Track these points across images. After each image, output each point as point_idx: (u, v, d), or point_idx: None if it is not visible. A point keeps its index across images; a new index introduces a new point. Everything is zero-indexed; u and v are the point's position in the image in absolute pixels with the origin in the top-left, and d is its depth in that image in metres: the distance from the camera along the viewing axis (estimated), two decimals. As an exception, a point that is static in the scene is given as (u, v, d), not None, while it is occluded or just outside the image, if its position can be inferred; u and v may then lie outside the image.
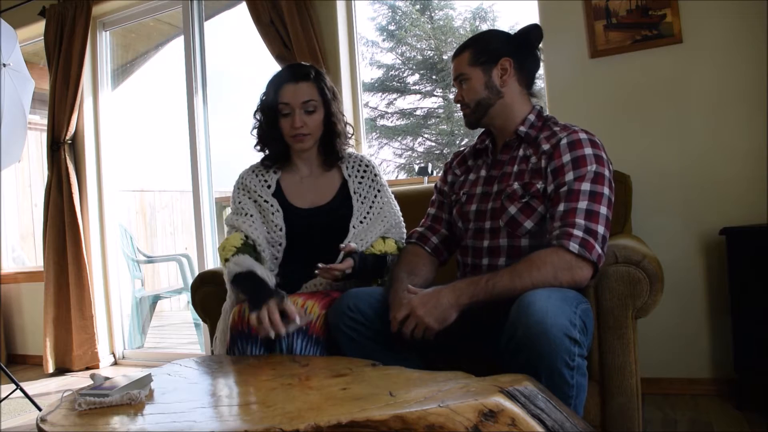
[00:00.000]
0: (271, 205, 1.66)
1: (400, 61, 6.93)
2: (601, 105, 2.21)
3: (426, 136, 7.00)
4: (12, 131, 2.48)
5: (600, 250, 1.24)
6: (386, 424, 0.82)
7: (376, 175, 1.72)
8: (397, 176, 6.93)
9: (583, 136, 1.35)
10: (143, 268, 4.18)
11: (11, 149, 2.52)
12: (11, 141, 2.49)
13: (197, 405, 1.04)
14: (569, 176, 1.31)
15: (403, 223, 1.73)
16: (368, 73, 6.70)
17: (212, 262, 3.21)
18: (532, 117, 1.46)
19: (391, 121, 6.98)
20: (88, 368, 3.36)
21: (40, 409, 2.29)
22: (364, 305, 1.36)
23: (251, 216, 1.65)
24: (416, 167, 5.71)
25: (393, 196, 1.75)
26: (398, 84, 6.96)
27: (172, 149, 4.92)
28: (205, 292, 1.90)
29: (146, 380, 1.11)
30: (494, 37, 1.49)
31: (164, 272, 5.22)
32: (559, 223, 1.27)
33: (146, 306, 3.93)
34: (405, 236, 1.69)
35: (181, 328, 4.74)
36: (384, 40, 6.88)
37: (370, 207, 1.67)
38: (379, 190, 1.70)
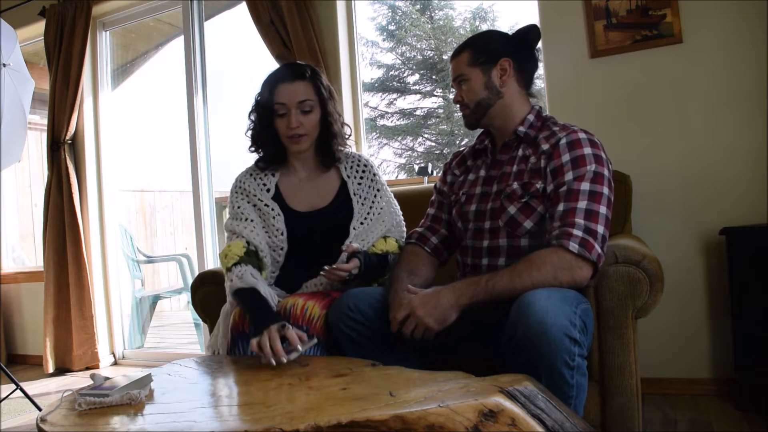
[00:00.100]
0: (272, 209, 1.62)
1: (400, 61, 6.93)
2: (601, 105, 2.21)
3: (426, 136, 7.00)
4: (12, 131, 2.48)
5: (600, 250, 1.24)
6: (386, 424, 0.82)
7: (375, 174, 1.69)
8: (397, 176, 6.93)
9: (582, 135, 1.35)
10: (143, 268, 4.18)
11: (11, 149, 2.52)
12: (11, 141, 2.49)
13: (197, 405, 1.04)
14: (569, 176, 1.31)
15: (403, 222, 1.72)
16: (368, 73, 6.70)
17: (212, 262, 3.21)
18: (531, 117, 1.46)
19: (391, 121, 6.98)
20: (88, 368, 3.36)
21: (40, 409, 2.29)
22: (364, 305, 1.36)
23: (251, 221, 1.61)
24: (416, 167, 5.70)
25: (392, 195, 1.74)
26: (398, 84, 6.96)
27: (172, 149, 4.92)
28: (205, 292, 1.90)
29: (146, 380, 1.10)
30: (493, 37, 1.49)
31: (164, 272, 5.22)
32: (559, 223, 1.27)
33: (146, 306, 3.93)
34: (405, 233, 1.69)
35: (181, 328, 4.74)
36: (384, 40, 6.88)
37: (371, 207, 1.65)
38: (378, 190, 1.68)
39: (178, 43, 3.37)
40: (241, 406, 1.02)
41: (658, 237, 1.98)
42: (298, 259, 1.62)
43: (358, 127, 2.84)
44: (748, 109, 2.02)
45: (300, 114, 1.57)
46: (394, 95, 6.93)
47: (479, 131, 1.58)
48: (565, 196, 1.29)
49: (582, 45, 2.23)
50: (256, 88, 1.66)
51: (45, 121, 3.45)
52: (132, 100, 4.25)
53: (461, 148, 1.66)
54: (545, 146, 1.38)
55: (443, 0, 6.66)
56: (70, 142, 3.39)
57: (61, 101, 3.32)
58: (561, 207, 1.29)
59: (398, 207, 1.73)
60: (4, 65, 2.43)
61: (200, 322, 2.95)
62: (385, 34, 6.85)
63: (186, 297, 4.81)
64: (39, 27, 3.45)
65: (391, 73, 6.94)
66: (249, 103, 1.68)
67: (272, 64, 2.72)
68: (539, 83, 2.57)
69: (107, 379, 1.11)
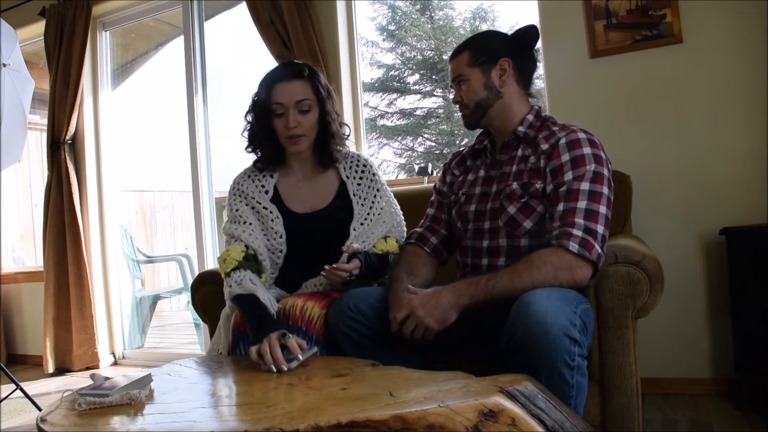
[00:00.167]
0: (270, 212, 1.60)
1: (400, 61, 6.93)
2: (601, 105, 2.21)
3: (426, 136, 7.00)
4: (12, 131, 2.48)
5: (600, 250, 1.24)
6: (386, 424, 0.82)
7: (374, 174, 1.67)
8: (397, 176, 6.93)
9: (581, 135, 1.35)
10: (143, 268, 4.18)
11: (11, 149, 2.52)
12: (11, 141, 2.49)
13: (197, 405, 1.04)
14: (568, 176, 1.31)
15: (403, 222, 1.71)
16: (368, 73, 6.70)
17: (212, 262, 3.21)
18: (530, 117, 1.46)
19: (391, 121, 6.98)
20: (88, 368, 3.36)
21: (40, 409, 2.29)
22: (364, 305, 1.36)
23: (250, 224, 1.59)
24: (416, 167, 5.70)
25: (392, 194, 1.72)
26: (398, 84, 6.96)
27: (172, 149, 4.92)
28: (205, 292, 1.90)
29: (146, 380, 1.10)
30: (492, 37, 1.49)
31: (164, 272, 5.22)
32: (559, 223, 1.27)
33: (146, 306, 3.93)
34: (405, 232, 1.68)
35: (181, 328, 4.74)
36: (384, 40, 6.88)
37: (371, 208, 1.63)
38: (378, 190, 1.66)
39: (178, 43, 3.37)
40: (241, 406, 1.02)
41: (658, 237, 1.99)
42: (297, 261, 1.60)
43: (358, 127, 2.84)
44: (748, 109, 2.02)
45: (298, 114, 1.54)
46: (394, 95, 6.93)
47: (479, 131, 1.58)
48: (565, 196, 1.29)
49: (582, 45, 2.23)
50: (256, 88, 1.64)
51: (45, 121, 3.45)
52: (132, 100, 4.25)
53: (461, 149, 1.66)
54: (545, 146, 1.38)
55: (443, 0, 6.66)
56: (70, 142, 3.39)
57: (61, 101, 3.32)
58: (561, 207, 1.29)
59: (398, 207, 1.72)
60: (4, 65, 2.43)
61: (200, 322, 2.95)
62: (385, 34, 6.85)
63: (186, 297, 4.81)
64: (39, 27, 3.45)
65: (391, 73, 6.94)
66: (249, 103, 1.67)
67: (272, 64, 2.71)
68: (539, 83, 2.57)
69: (107, 379, 1.11)
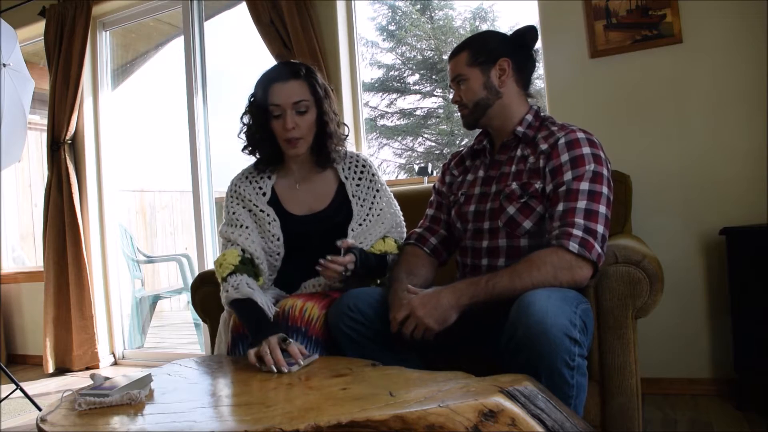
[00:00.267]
0: (267, 215, 1.59)
1: (400, 61, 6.93)
2: (601, 105, 2.21)
3: (426, 136, 7.00)
4: (12, 131, 2.48)
5: (600, 250, 1.24)
6: (386, 424, 0.82)
7: (374, 174, 1.65)
8: (397, 176, 6.93)
9: (581, 135, 1.35)
10: (143, 268, 4.18)
11: (11, 149, 2.52)
12: (11, 141, 2.49)
13: (197, 405, 1.04)
14: (568, 176, 1.31)
15: (403, 222, 1.69)
16: (368, 73, 6.70)
17: (212, 263, 3.20)
18: (529, 117, 1.46)
19: (391, 121, 6.98)
20: (88, 368, 3.36)
21: (40, 409, 2.29)
22: (364, 305, 1.36)
23: (246, 227, 1.58)
24: (416, 167, 5.70)
25: (392, 195, 1.70)
26: (398, 84, 6.96)
27: (172, 149, 4.92)
28: (205, 292, 1.90)
29: (146, 380, 1.11)
30: (492, 37, 1.49)
31: (164, 272, 5.22)
32: (559, 223, 1.27)
33: (146, 306, 3.94)
34: (405, 233, 1.67)
35: (181, 328, 4.74)
36: (384, 40, 6.88)
37: (370, 209, 1.62)
38: (377, 190, 1.64)
39: (178, 43, 3.37)
40: (241, 406, 1.02)
41: (658, 237, 1.98)
42: (296, 263, 1.59)
43: (358, 127, 2.84)
44: (748, 109, 2.02)
45: (295, 115, 1.52)
46: (394, 95, 6.93)
47: (478, 131, 1.58)
48: (565, 195, 1.29)
49: (582, 45, 2.23)
50: (252, 88, 1.62)
51: (45, 121, 3.45)
52: (132, 100, 4.25)
53: (460, 149, 1.66)
54: (544, 146, 1.38)
55: (443, 0, 6.66)
56: (70, 142, 3.39)
57: (61, 101, 3.32)
58: (560, 207, 1.29)
59: (398, 207, 1.70)
60: (4, 65, 2.42)
61: (200, 322, 2.95)
62: (385, 34, 6.85)
63: (186, 297, 4.81)
64: (39, 27, 3.45)
65: (391, 73, 6.94)
66: (245, 104, 1.64)
67: (272, 64, 2.72)
68: (539, 83, 2.57)
69: (107, 379, 1.11)
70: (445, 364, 1.14)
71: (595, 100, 2.22)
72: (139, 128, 4.76)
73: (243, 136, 1.65)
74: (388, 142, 6.97)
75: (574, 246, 1.22)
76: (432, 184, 1.71)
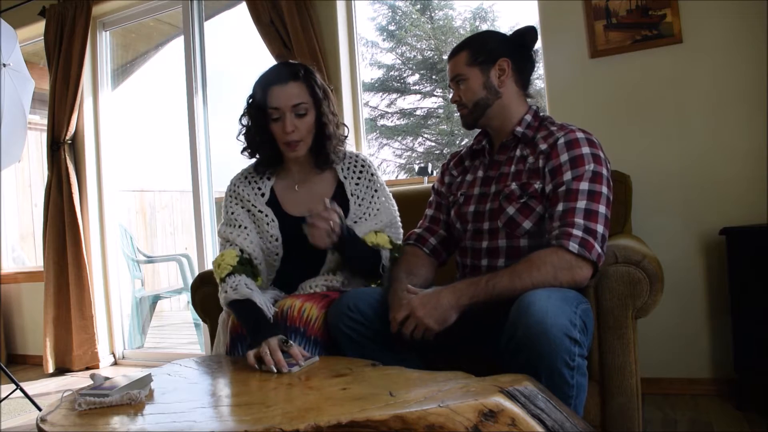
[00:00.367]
0: (266, 215, 1.59)
1: (400, 61, 6.93)
2: (601, 105, 2.21)
3: (426, 136, 7.00)
4: (12, 131, 2.48)
5: (600, 250, 1.24)
6: (386, 424, 0.82)
7: (373, 174, 1.64)
8: (397, 176, 6.93)
9: (580, 135, 1.35)
10: (143, 268, 4.18)
11: (11, 149, 2.52)
12: (11, 141, 2.49)
13: (197, 405, 1.04)
14: (567, 176, 1.30)
15: (399, 224, 1.67)
16: (368, 73, 6.70)
17: (212, 263, 3.21)
18: (528, 117, 1.46)
19: (391, 121, 6.98)
20: (88, 368, 3.36)
21: (40, 409, 2.29)
22: (364, 305, 1.36)
23: (245, 228, 1.58)
24: (416, 167, 5.70)
25: (391, 195, 1.69)
26: (398, 84, 6.96)
27: (172, 149, 4.92)
28: (205, 292, 1.90)
29: (146, 380, 1.10)
30: (491, 37, 1.49)
31: (164, 272, 5.22)
32: (558, 223, 1.27)
33: (146, 306, 3.94)
34: (401, 236, 1.65)
35: (181, 328, 4.75)
36: (384, 40, 6.88)
37: (368, 208, 1.61)
38: (376, 190, 1.63)
39: (178, 43, 3.37)
40: (241, 406, 1.02)
41: (658, 237, 1.98)
42: (295, 264, 1.59)
43: (358, 127, 2.84)
44: (748, 109, 2.02)
45: (295, 117, 1.51)
46: (394, 95, 6.93)
47: (478, 131, 1.58)
48: (564, 196, 1.29)
49: (582, 45, 2.23)
50: (250, 89, 1.61)
51: (45, 121, 3.45)
52: (132, 100, 4.25)
53: (459, 149, 1.66)
54: (543, 146, 1.38)
55: (443, 0, 6.66)
56: (70, 142, 3.39)
57: (61, 101, 3.32)
58: (560, 207, 1.29)
59: (396, 209, 1.68)
60: (4, 65, 2.43)
61: (200, 322, 2.95)
62: (385, 34, 6.85)
63: (186, 297, 4.81)
64: (39, 27, 3.45)
65: (391, 73, 6.94)
66: (244, 105, 1.64)
67: (272, 64, 2.72)
68: (539, 83, 2.57)
69: (107, 379, 1.11)
70: (445, 364, 1.14)
71: (595, 100, 2.22)
72: (139, 128, 4.76)
73: (242, 137, 1.65)
74: (388, 142, 6.97)
75: (574, 246, 1.22)
76: (431, 184, 1.71)
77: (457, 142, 6.46)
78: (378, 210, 1.62)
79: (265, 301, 1.44)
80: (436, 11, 6.85)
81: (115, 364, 3.50)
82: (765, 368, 1.80)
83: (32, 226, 4.63)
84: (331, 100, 1.61)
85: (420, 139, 6.97)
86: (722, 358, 2.04)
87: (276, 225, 1.59)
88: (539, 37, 1.62)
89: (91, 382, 1.12)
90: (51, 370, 3.32)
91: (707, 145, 2.07)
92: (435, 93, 6.94)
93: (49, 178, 3.41)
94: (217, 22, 3.55)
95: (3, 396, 2.52)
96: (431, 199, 1.65)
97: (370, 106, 6.81)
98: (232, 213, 1.62)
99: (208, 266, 3.16)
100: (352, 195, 1.62)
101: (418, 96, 6.97)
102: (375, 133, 6.88)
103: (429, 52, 6.89)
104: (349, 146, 1.73)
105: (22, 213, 4.64)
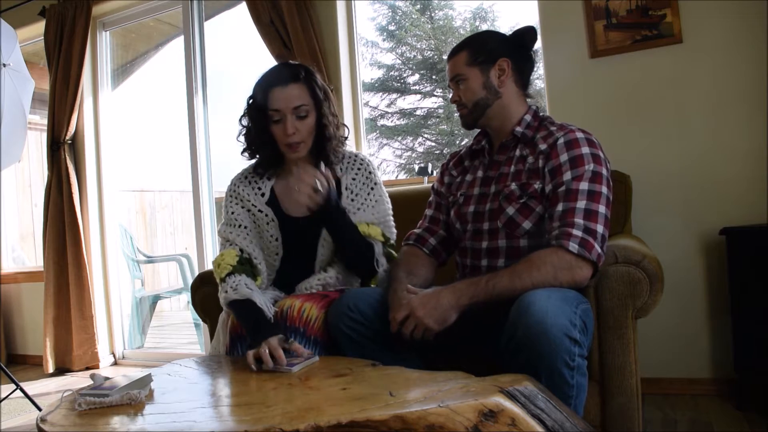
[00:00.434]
0: (266, 215, 1.60)
1: (400, 61, 6.93)
2: (601, 105, 2.21)
3: (426, 136, 7.00)
4: (12, 131, 2.48)
5: (599, 250, 1.24)
6: (386, 424, 0.82)
7: (370, 172, 1.64)
8: (397, 176, 6.93)
9: (580, 135, 1.35)
10: (143, 268, 4.18)
11: (11, 149, 2.52)
12: (11, 141, 2.49)
13: (197, 405, 1.04)
14: (567, 176, 1.30)
15: (392, 224, 1.65)
16: (368, 73, 6.70)
17: (212, 262, 3.21)
18: (528, 117, 1.45)
19: (391, 121, 6.98)
20: (88, 368, 3.36)
21: (40, 409, 2.29)
22: (364, 305, 1.36)
23: (245, 227, 1.59)
24: (416, 167, 5.70)
25: (387, 196, 1.68)
26: (398, 84, 6.96)
27: (172, 149, 4.92)
28: (205, 292, 1.90)
29: (146, 380, 1.10)
30: (491, 37, 1.49)
31: (164, 272, 5.22)
32: (558, 223, 1.27)
33: (146, 306, 3.94)
34: (394, 237, 1.64)
35: (181, 328, 4.75)
36: (384, 40, 6.88)
37: (362, 204, 1.59)
38: (372, 188, 1.62)
39: (178, 43, 3.37)
40: (241, 406, 1.02)
41: (658, 237, 1.98)
42: (295, 263, 1.59)
43: (358, 127, 2.84)
44: (748, 109, 2.02)
45: (296, 119, 1.51)
46: (394, 95, 6.93)
47: (478, 131, 1.58)
48: (564, 196, 1.29)
49: (582, 45, 2.23)
50: (250, 90, 1.61)
51: (45, 121, 3.45)
52: (132, 100, 4.25)
53: (458, 149, 1.66)
54: (543, 146, 1.38)
55: (443, 0, 6.66)
56: (70, 142, 3.39)
57: (61, 101, 3.32)
58: (560, 207, 1.29)
59: (390, 210, 1.66)
60: (4, 65, 2.43)
61: (200, 322, 2.95)
62: (385, 34, 6.85)
63: (186, 297, 4.81)
64: (39, 27, 3.45)
65: (391, 73, 6.94)
66: (244, 106, 1.64)
67: (272, 65, 2.71)
68: (539, 83, 2.57)
69: (107, 379, 1.11)
70: (445, 364, 1.14)
71: (595, 100, 2.22)
72: (139, 128, 4.76)
73: (242, 138, 1.65)
74: (388, 142, 6.97)
75: (573, 246, 1.22)
76: (431, 184, 1.71)
77: (457, 142, 6.46)
78: (372, 206, 1.61)
79: (265, 301, 1.44)
80: (436, 11, 6.86)
81: (115, 364, 3.50)
82: (765, 368, 1.80)
83: (32, 226, 4.63)
84: (332, 100, 1.61)
85: (420, 139, 6.97)
86: (722, 358, 2.04)
87: (276, 225, 1.59)
88: (539, 37, 1.62)
89: (91, 382, 1.12)
90: (51, 370, 3.32)
91: (707, 145, 2.07)
92: (435, 93, 6.94)
93: (49, 178, 3.41)
94: (217, 22, 3.56)
95: (3, 396, 2.52)
96: (431, 199, 1.65)
97: (370, 106, 6.82)
98: (232, 213, 1.62)
99: (208, 266, 3.16)
100: (346, 189, 1.61)
101: (418, 96, 6.97)
102: (375, 133, 6.88)
103: (429, 52, 6.89)
104: (349, 146, 1.73)
105: (22, 213, 4.64)
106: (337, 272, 1.56)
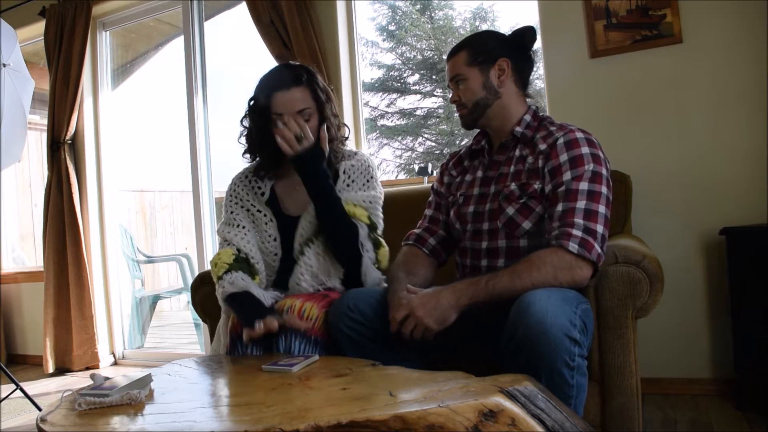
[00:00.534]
0: (264, 215, 1.60)
1: (400, 61, 6.93)
2: (601, 105, 2.21)
3: (426, 136, 7.00)
4: (12, 131, 2.48)
5: (599, 250, 1.24)
6: (386, 424, 0.82)
7: (369, 165, 1.65)
8: (397, 176, 6.93)
9: (579, 135, 1.35)
10: (143, 268, 4.18)
11: (11, 149, 2.52)
12: (11, 141, 2.49)
13: (197, 405, 1.04)
14: (567, 176, 1.30)
15: (380, 214, 1.62)
16: (368, 73, 6.70)
17: (209, 262, 3.21)
18: (528, 117, 1.45)
19: (391, 121, 6.98)
20: (88, 368, 3.36)
21: (40, 409, 2.29)
22: (364, 305, 1.36)
23: (243, 227, 1.60)
24: (416, 167, 5.70)
25: (382, 192, 1.67)
26: (398, 84, 6.96)
27: (172, 149, 4.92)
28: (205, 292, 1.90)
29: (146, 380, 1.10)
30: (491, 37, 1.49)
31: (164, 272, 5.22)
32: (558, 223, 1.27)
33: (146, 306, 3.94)
34: (380, 226, 1.62)
35: (181, 328, 4.75)
36: (384, 40, 6.88)
37: (357, 190, 1.59)
38: (368, 180, 1.62)
39: (178, 43, 3.37)
40: (241, 406, 1.02)
41: (658, 237, 1.98)
42: (294, 263, 1.59)
43: (358, 127, 2.84)
44: (748, 109, 2.02)
45: None
46: (394, 95, 6.93)
47: (477, 131, 1.58)
48: (564, 196, 1.29)
49: (582, 45, 2.23)
50: (252, 92, 1.61)
51: (45, 121, 3.45)
52: (132, 100, 4.25)
53: (458, 149, 1.66)
54: (543, 146, 1.38)
55: (443, 0, 6.66)
56: (70, 142, 3.39)
57: (61, 101, 3.32)
58: (560, 207, 1.29)
59: (381, 202, 1.64)
60: (4, 65, 2.43)
61: (200, 322, 2.95)
62: (385, 34, 6.85)
63: (186, 297, 4.81)
64: (39, 27, 3.45)
65: (391, 73, 6.94)
66: (245, 107, 1.64)
67: (272, 65, 2.71)
68: (539, 83, 2.57)
69: (107, 379, 1.11)
70: (445, 364, 1.14)
71: (595, 100, 2.22)
72: (139, 128, 4.76)
73: (243, 140, 1.65)
74: (388, 142, 6.97)
75: (573, 246, 1.22)
76: (431, 184, 1.71)
77: (457, 142, 6.46)
78: (365, 193, 1.60)
79: (262, 293, 1.45)
80: (436, 11, 6.86)
81: (115, 364, 3.50)
82: (765, 368, 1.80)
83: (32, 226, 4.63)
84: (333, 101, 1.62)
85: (420, 139, 6.98)
86: (722, 358, 2.04)
87: (274, 225, 1.60)
88: (539, 37, 1.62)
89: (91, 382, 1.12)
90: (51, 370, 3.32)
91: (707, 145, 2.07)
92: (435, 93, 6.94)
93: (49, 178, 3.41)
94: (217, 22, 3.56)
95: (3, 396, 2.52)
96: (430, 199, 1.65)
97: (370, 106, 6.82)
98: (232, 212, 1.63)
99: (208, 266, 3.15)
100: (344, 173, 1.61)
101: (418, 96, 6.97)
102: (375, 133, 6.88)
103: (429, 52, 6.89)
104: (350, 146, 1.73)
105: (22, 213, 4.64)
106: (316, 253, 1.54)
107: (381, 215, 1.64)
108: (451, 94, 1.50)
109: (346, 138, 1.69)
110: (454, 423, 0.82)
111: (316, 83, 1.57)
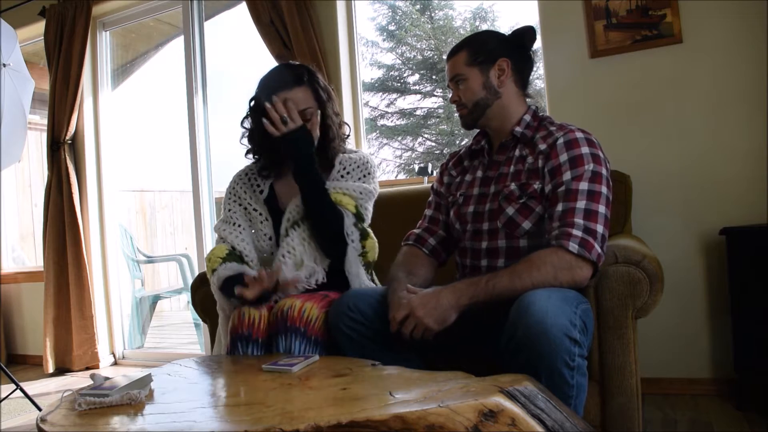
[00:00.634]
0: (260, 214, 1.62)
1: (400, 61, 6.93)
2: (601, 105, 2.21)
3: (426, 136, 7.00)
4: (12, 131, 2.48)
5: (599, 250, 1.24)
6: (386, 424, 0.82)
7: (367, 161, 1.66)
8: (397, 176, 6.93)
9: (579, 135, 1.35)
10: (143, 268, 4.18)
11: (11, 149, 2.52)
12: (11, 141, 2.49)
13: (197, 405, 1.04)
14: (567, 176, 1.30)
15: (369, 207, 1.63)
16: (368, 73, 6.70)
17: (205, 259, 3.21)
18: (527, 117, 1.45)
19: (391, 121, 6.98)
20: (88, 368, 3.36)
21: (40, 409, 2.29)
22: (364, 305, 1.36)
23: (239, 226, 1.62)
24: (416, 167, 5.70)
25: (377, 189, 1.67)
26: (398, 84, 6.96)
27: (172, 149, 4.92)
28: (205, 292, 1.90)
29: (146, 380, 1.10)
30: (490, 37, 1.49)
31: (164, 272, 5.22)
32: (558, 223, 1.27)
33: (146, 306, 3.94)
34: (368, 218, 1.63)
35: (181, 328, 4.75)
36: (384, 40, 6.88)
37: (352, 182, 1.60)
38: (364, 175, 1.63)
39: (178, 43, 3.37)
40: (240, 406, 1.02)
41: (658, 237, 1.98)
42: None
43: (358, 127, 2.84)
44: (748, 109, 2.02)
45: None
46: (394, 95, 6.93)
47: (477, 131, 1.58)
48: (564, 196, 1.29)
49: (582, 45, 2.23)
50: (253, 92, 1.61)
51: (45, 121, 3.45)
52: (132, 100, 4.25)
53: (458, 149, 1.66)
54: (542, 146, 1.38)
55: (443, 0, 6.66)
56: (70, 142, 3.39)
57: (61, 101, 3.32)
58: (560, 207, 1.29)
59: (372, 196, 1.65)
60: (4, 65, 2.43)
61: (200, 322, 2.95)
62: (385, 34, 6.85)
63: (186, 297, 4.81)
64: (39, 27, 3.45)
65: (391, 73, 6.94)
66: (246, 108, 1.65)
67: (272, 65, 2.71)
68: (539, 83, 2.56)
69: (107, 379, 1.11)
70: (445, 364, 1.14)
71: (595, 100, 2.22)
72: (139, 128, 4.76)
73: (245, 141, 1.66)
74: (388, 142, 6.97)
75: (573, 246, 1.22)
76: (431, 184, 1.71)
77: (457, 142, 6.46)
78: (356, 184, 1.61)
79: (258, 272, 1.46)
80: (436, 11, 6.86)
81: (115, 364, 3.50)
82: (765, 368, 1.80)
83: (32, 226, 4.63)
84: (334, 100, 1.63)
85: (420, 139, 6.97)
86: (722, 358, 2.04)
87: (269, 224, 1.61)
88: (539, 37, 1.62)
89: (91, 382, 1.12)
90: (51, 370, 3.32)
91: (707, 145, 2.07)
92: (435, 93, 6.94)
93: (49, 178, 3.41)
94: (217, 22, 3.56)
95: (3, 396, 2.52)
96: (430, 199, 1.65)
97: (370, 106, 6.82)
98: (230, 210, 1.65)
99: (208, 266, 3.16)
100: (340, 164, 1.62)
101: (418, 96, 6.97)
102: (375, 133, 6.88)
103: (429, 52, 6.89)
104: (350, 146, 1.74)
105: (22, 213, 4.64)
106: (302, 237, 1.54)
107: (370, 209, 1.65)
108: (451, 94, 1.50)
109: (347, 136, 1.69)
110: (454, 423, 0.82)
111: (317, 82, 1.58)
